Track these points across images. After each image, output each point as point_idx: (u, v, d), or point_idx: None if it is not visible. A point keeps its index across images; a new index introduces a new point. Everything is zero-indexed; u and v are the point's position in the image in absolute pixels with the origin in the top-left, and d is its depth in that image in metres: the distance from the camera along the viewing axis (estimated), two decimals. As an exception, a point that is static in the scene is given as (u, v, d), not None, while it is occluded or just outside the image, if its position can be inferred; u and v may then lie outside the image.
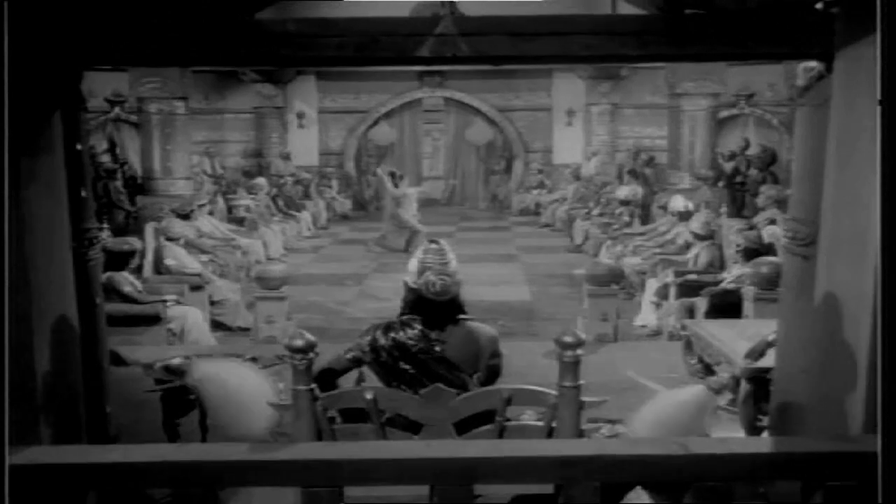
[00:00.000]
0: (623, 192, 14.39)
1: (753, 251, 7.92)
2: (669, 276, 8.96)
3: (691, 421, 3.16)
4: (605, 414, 3.58)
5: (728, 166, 14.85)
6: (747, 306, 7.46)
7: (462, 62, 3.65)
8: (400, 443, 3.16)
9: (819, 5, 3.32)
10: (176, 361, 4.78)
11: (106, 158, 14.64)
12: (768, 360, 4.64)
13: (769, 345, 4.76)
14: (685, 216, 10.75)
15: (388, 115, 19.41)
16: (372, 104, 19.21)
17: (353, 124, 19.35)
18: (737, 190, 14.47)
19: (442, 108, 19.44)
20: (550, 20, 3.57)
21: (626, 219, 13.09)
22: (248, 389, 3.17)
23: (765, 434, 4.42)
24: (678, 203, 11.31)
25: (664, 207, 12.12)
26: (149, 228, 9.88)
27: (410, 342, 3.54)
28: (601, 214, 14.23)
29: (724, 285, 8.10)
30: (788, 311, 3.79)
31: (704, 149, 13.81)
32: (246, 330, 8.89)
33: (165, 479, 2.80)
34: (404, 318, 3.63)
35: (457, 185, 19.66)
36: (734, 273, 8.19)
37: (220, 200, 14.32)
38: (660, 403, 3.19)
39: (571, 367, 3.11)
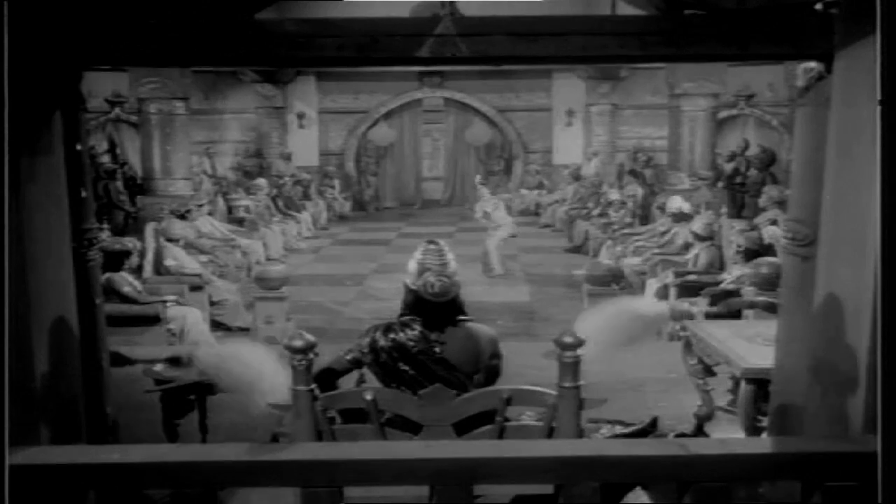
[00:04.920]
0: (615, 194, 14.42)
1: (754, 252, 7.92)
2: (669, 277, 8.96)
3: (641, 332, 3.21)
4: (605, 414, 3.58)
5: (728, 167, 14.87)
6: (747, 307, 7.46)
7: (462, 62, 3.65)
8: (400, 443, 3.16)
9: (819, 5, 3.32)
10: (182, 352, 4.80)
11: (106, 159, 14.66)
12: (766, 359, 4.64)
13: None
14: (679, 217, 10.76)
15: (387, 115, 19.42)
16: (372, 104, 19.21)
17: (352, 125, 19.36)
18: (736, 190, 14.48)
19: (441, 108, 19.45)
20: (550, 21, 3.57)
21: (628, 220, 13.10)
22: (252, 370, 3.19)
23: (765, 434, 4.42)
24: (675, 203, 11.32)
25: (662, 208, 12.13)
26: (149, 229, 9.87)
27: (410, 343, 3.54)
28: (601, 215, 14.24)
29: (723, 286, 8.10)
30: (788, 312, 3.79)
31: (704, 149, 13.81)
32: (245, 330, 8.89)
33: (165, 480, 2.80)
34: (404, 319, 3.63)
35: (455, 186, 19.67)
36: (734, 274, 8.19)
37: (220, 201, 14.32)
38: (616, 310, 3.23)
39: (571, 368, 3.11)
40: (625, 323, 3.26)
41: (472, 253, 12.55)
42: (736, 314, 7.42)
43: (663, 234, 11.29)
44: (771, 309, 6.62)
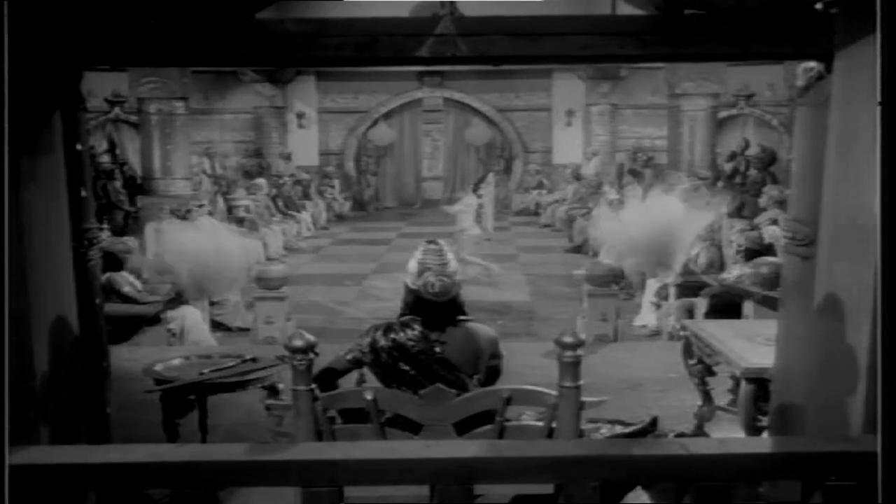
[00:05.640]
0: (613, 194, 14.42)
1: (754, 251, 7.92)
2: (669, 277, 8.95)
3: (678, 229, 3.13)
4: (605, 414, 3.58)
5: (728, 167, 14.86)
6: (747, 307, 7.46)
7: (462, 62, 3.64)
8: (400, 443, 3.16)
9: (819, 5, 3.32)
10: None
11: (105, 159, 14.64)
12: (766, 359, 4.63)
13: None
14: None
15: (387, 115, 19.42)
16: (372, 104, 19.22)
17: (352, 124, 19.36)
18: (736, 190, 14.47)
19: (441, 108, 19.45)
20: (550, 20, 3.57)
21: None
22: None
23: (765, 434, 4.42)
24: None
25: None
26: (149, 229, 9.86)
27: (410, 343, 3.54)
28: (601, 215, 14.23)
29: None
30: (788, 312, 3.79)
31: (704, 149, 13.82)
32: (245, 330, 8.89)
33: (165, 479, 2.80)
34: (404, 318, 3.63)
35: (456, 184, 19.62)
36: (734, 273, 8.18)
37: (220, 200, 14.31)
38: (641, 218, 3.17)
39: (571, 368, 3.12)
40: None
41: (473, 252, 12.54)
42: (736, 313, 7.42)
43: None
44: (765, 303, 6.62)
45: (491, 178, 12.76)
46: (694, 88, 13.48)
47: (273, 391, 4.73)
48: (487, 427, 3.25)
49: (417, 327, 3.57)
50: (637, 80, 17.76)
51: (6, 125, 2.49)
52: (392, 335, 3.56)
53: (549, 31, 3.55)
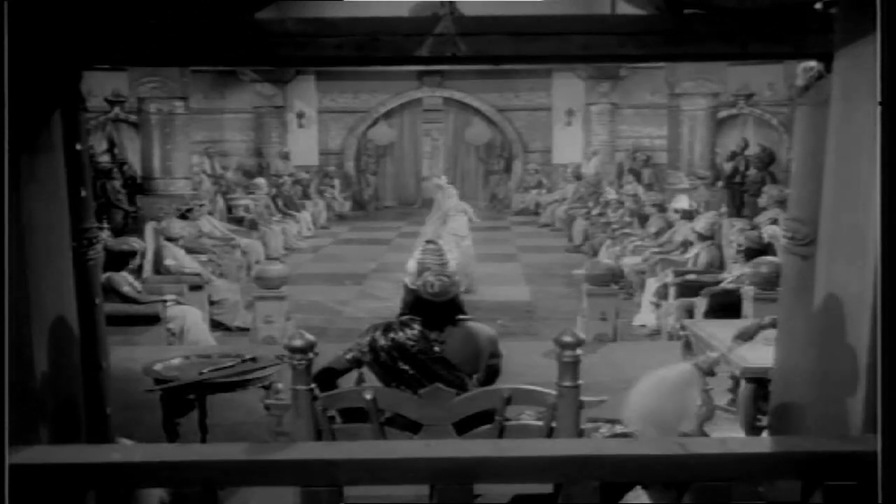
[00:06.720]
0: (612, 193, 14.45)
1: (754, 251, 7.93)
2: (669, 276, 8.95)
3: (682, 400, 3.10)
4: (604, 414, 3.58)
5: (727, 166, 14.87)
6: (747, 306, 7.46)
7: (462, 62, 3.64)
8: (400, 443, 3.16)
9: (819, 5, 3.32)
10: None
11: (105, 158, 14.65)
12: (766, 359, 4.62)
13: (761, 327, 4.78)
14: (686, 215, 10.77)
15: (387, 114, 19.43)
16: (372, 104, 19.22)
17: (352, 124, 19.37)
18: (736, 190, 14.49)
19: (441, 107, 19.47)
20: (550, 20, 3.57)
21: (627, 219, 13.11)
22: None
23: (765, 434, 4.41)
24: (682, 202, 11.33)
25: (659, 206, 12.12)
26: (149, 228, 9.87)
27: (410, 343, 3.54)
28: (600, 214, 14.25)
29: (723, 285, 8.10)
30: (788, 311, 3.79)
31: (704, 149, 13.83)
32: (245, 330, 8.89)
33: (165, 479, 2.80)
34: (403, 318, 3.63)
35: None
36: (734, 273, 8.20)
37: (220, 200, 14.32)
38: (647, 386, 3.12)
39: (571, 367, 3.12)
40: (662, 396, 3.11)
41: (473, 252, 12.53)
42: (736, 312, 7.43)
43: (657, 234, 11.30)
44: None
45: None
46: (694, 88, 13.48)
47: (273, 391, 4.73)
48: (487, 427, 3.26)
49: (417, 327, 3.58)
50: (637, 80, 17.77)
51: (6, 125, 2.49)
52: (391, 335, 3.56)
53: (549, 31, 3.55)
